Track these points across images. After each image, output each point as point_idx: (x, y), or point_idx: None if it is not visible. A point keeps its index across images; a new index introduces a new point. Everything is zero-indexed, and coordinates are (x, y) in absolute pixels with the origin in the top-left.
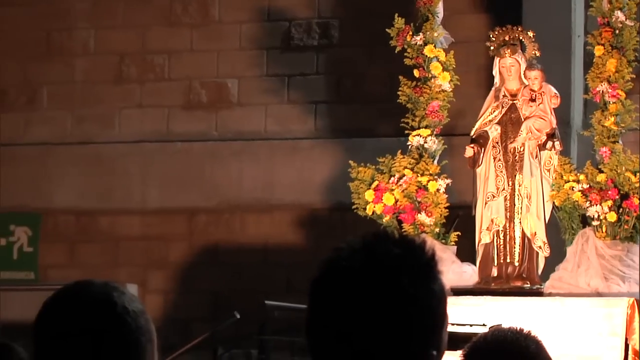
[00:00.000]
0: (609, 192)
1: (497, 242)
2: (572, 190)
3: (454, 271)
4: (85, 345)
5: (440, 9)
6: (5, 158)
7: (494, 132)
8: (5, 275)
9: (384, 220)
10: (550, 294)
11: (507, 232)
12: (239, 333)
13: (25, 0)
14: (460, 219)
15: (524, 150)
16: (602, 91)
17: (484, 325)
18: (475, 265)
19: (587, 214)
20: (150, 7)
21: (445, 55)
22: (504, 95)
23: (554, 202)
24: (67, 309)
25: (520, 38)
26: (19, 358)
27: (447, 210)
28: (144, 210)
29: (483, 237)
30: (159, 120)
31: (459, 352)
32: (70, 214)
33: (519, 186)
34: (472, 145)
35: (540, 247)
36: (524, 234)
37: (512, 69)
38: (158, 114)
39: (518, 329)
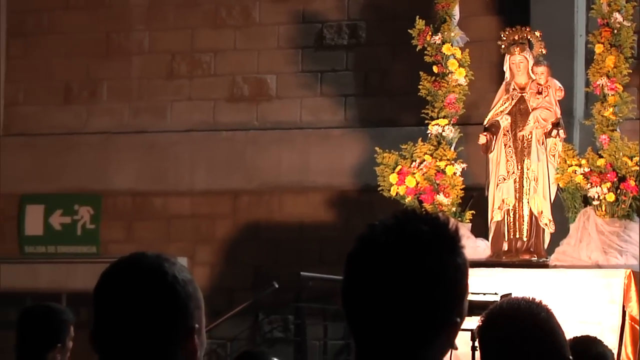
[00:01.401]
0: (608, 175)
1: (507, 219)
2: (575, 173)
3: (468, 246)
4: (139, 312)
5: (456, 11)
6: (70, 146)
7: (505, 121)
8: (70, 250)
9: (406, 201)
10: (555, 266)
11: (517, 211)
12: (278, 301)
13: (87, 5)
14: (474, 199)
15: (531, 137)
16: (602, 85)
17: (495, 294)
18: (488, 240)
19: (588, 195)
20: (198, 11)
21: (461, 53)
22: (514, 89)
23: (558, 184)
24: (123, 279)
25: (529, 37)
26: (61, 319)
27: (463, 191)
28: (192, 191)
29: (495, 215)
30: (206, 111)
31: (475, 318)
32: (127, 195)
33: (527, 170)
34: (485, 133)
35: (546, 224)
36: (531, 213)
37: (521, 65)
38: (205, 106)
39: (530, 298)
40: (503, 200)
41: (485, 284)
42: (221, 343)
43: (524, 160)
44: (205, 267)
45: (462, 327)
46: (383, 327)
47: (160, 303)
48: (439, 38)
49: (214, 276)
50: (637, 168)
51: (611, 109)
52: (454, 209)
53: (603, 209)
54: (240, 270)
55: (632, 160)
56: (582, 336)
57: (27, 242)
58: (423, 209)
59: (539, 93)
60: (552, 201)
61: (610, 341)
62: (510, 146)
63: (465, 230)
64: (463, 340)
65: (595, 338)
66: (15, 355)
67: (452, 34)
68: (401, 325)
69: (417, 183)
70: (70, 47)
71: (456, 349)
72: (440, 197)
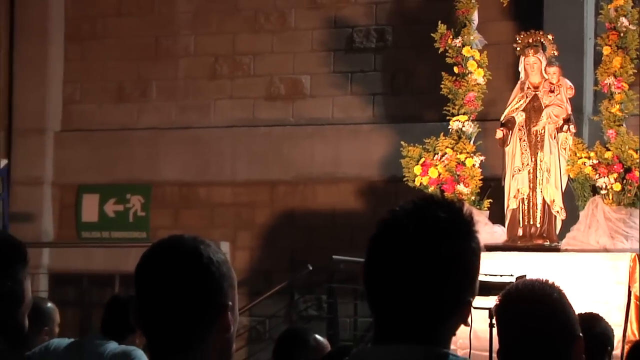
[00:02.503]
0: (615, 167)
1: (522, 207)
2: (584, 165)
3: (486, 231)
4: (176, 290)
5: (475, 17)
6: (123, 140)
7: (520, 117)
8: (122, 235)
9: (429, 191)
10: (566, 250)
11: (531, 200)
12: (312, 282)
13: (138, 12)
14: (492, 189)
15: (544, 132)
16: (609, 84)
17: (511, 275)
18: (504, 226)
19: (597, 185)
20: (239, 17)
21: (480, 55)
22: (528, 88)
23: (569, 175)
24: (162, 260)
25: (542, 40)
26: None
27: (481, 181)
28: (234, 182)
29: (511, 203)
30: (246, 109)
31: (492, 298)
32: (174, 185)
33: (540, 162)
34: (501, 128)
35: (557, 212)
36: (544, 201)
37: (534, 66)
38: (245, 104)
39: (543, 279)
40: (518, 190)
41: (502, 267)
42: (260, 320)
43: (537, 153)
44: (246, 251)
45: (481, 306)
46: (402, 304)
47: (196, 282)
48: (460, 41)
49: (254, 259)
50: None
51: (618, 106)
52: (473, 197)
53: (610, 197)
54: (277, 254)
55: (637, 153)
56: (585, 313)
57: (84, 228)
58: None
59: (551, 91)
60: (563, 190)
61: (617, 319)
62: (524, 140)
63: (483, 217)
64: (481, 318)
65: (598, 315)
66: (79, 335)
67: (472, 38)
68: (419, 303)
69: (439, 174)
70: (123, 51)
71: (468, 325)
72: (461, 187)
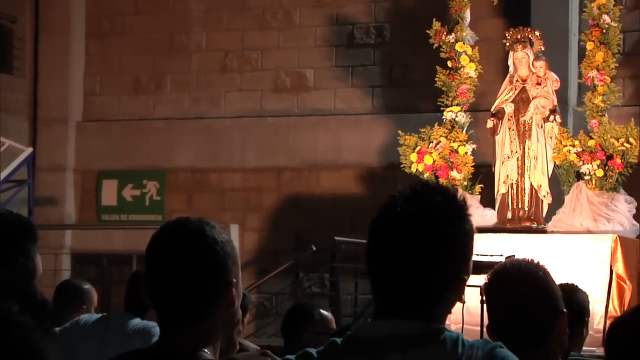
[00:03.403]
0: (598, 154)
1: (511, 192)
2: (569, 152)
3: (478, 214)
4: (183, 268)
5: (467, 14)
6: (139, 130)
7: (509, 108)
8: (139, 218)
9: (424, 176)
10: (552, 232)
11: (519, 185)
12: (315, 261)
13: (153, 10)
14: (483, 175)
15: (532, 122)
16: (593, 77)
17: (501, 255)
18: (494, 210)
19: (581, 171)
20: (248, 15)
21: (472, 50)
22: (517, 80)
23: (555, 162)
24: (170, 240)
25: (529, 37)
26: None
27: (473, 168)
28: (243, 168)
29: (500, 188)
30: (254, 100)
31: (483, 276)
32: (188, 172)
33: (528, 150)
34: (492, 118)
35: (544, 196)
36: (532, 186)
37: (523, 60)
38: (253, 96)
39: (530, 259)
40: (507, 176)
41: (492, 247)
42: (268, 297)
43: (525, 142)
44: (254, 233)
45: (472, 283)
46: (401, 282)
47: (201, 261)
48: (453, 37)
49: (261, 240)
50: (623, 148)
51: (600, 98)
52: (465, 183)
53: (593, 183)
54: (283, 235)
55: (618, 141)
56: (564, 284)
57: (104, 212)
58: (437, 183)
59: (538, 84)
60: (549, 176)
61: (600, 296)
62: (513, 129)
63: (474, 201)
64: (473, 295)
65: (575, 286)
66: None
67: (464, 34)
68: (417, 281)
69: (434, 161)
70: (139, 46)
71: (464, 302)
72: (454, 173)
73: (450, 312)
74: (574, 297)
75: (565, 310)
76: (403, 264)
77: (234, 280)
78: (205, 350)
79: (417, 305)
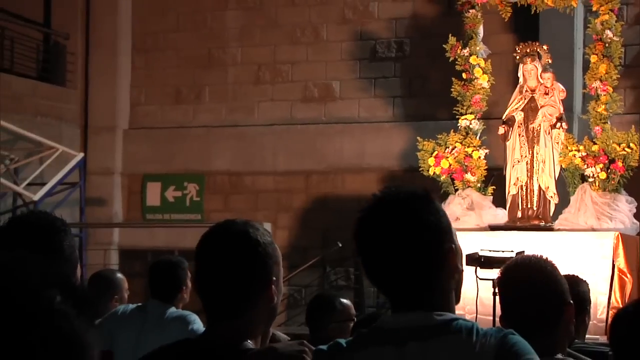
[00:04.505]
0: (601, 158)
1: (521, 193)
2: (574, 157)
3: (490, 214)
4: (228, 266)
5: (481, 30)
6: (180, 137)
7: (519, 116)
8: (181, 217)
9: (441, 179)
10: (558, 230)
11: (528, 186)
12: (341, 257)
13: (193, 27)
14: (495, 177)
15: (540, 129)
16: (596, 87)
17: (511, 251)
18: (505, 209)
19: (585, 173)
20: (279, 32)
21: (485, 63)
22: (526, 91)
23: (561, 165)
24: (217, 241)
25: (538, 50)
26: (182, 268)
27: (486, 171)
28: (275, 172)
29: (511, 189)
30: (285, 109)
31: (495, 270)
32: (224, 175)
33: (537, 154)
34: (503, 125)
35: (551, 197)
36: (540, 188)
37: (532, 72)
38: (284, 105)
39: (539, 255)
40: (517, 178)
41: (503, 244)
42: (297, 289)
43: (534, 147)
44: (285, 230)
45: (486, 277)
46: (400, 264)
47: (244, 260)
48: (467, 51)
49: (291, 237)
50: (624, 152)
51: (603, 106)
52: (479, 185)
53: (597, 184)
54: (311, 233)
55: (619, 146)
56: (568, 275)
57: (148, 211)
58: (454, 185)
59: (546, 94)
60: (556, 178)
61: (603, 289)
62: (523, 136)
63: (488, 201)
64: (486, 288)
65: (578, 277)
66: (150, 297)
67: (478, 48)
68: (414, 260)
69: (450, 165)
70: (180, 60)
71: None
72: (468, 176)
73: (456, 300)
74: (576, 288)
75: (571, 301)
76: (397, 247)
77: (274, 278)
78: (248, 341)
79: (419, 282)
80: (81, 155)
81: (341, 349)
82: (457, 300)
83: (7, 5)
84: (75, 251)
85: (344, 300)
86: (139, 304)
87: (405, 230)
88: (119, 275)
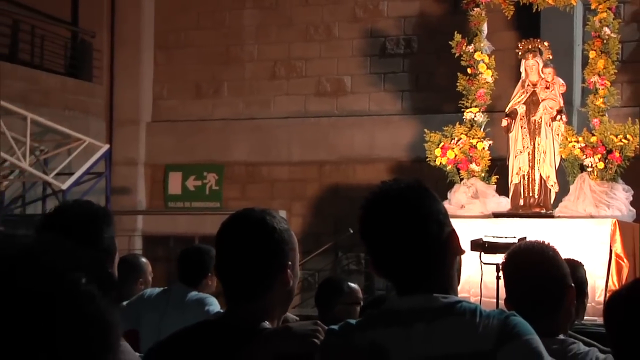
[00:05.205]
0: (599, 149)
1: (523, 182)
2: (574, 147)
3: (494, 202)
4: (246, 252)
5: (485, 28)
6: (200, 129)
7: (521, 109)
8: (201, 205)
9: (447, 169)
10: (559, 217)
11: (530, 176)
12: (352, 243)
13: (212, 26)
14: (498, 167)
15: (541, 121)
16: (594, 81)
17: (514, 237)
18: (508, 197)
19: (584, 163)
20: (293, 30)
21: (488, 59)
22: (528, 85)
23: (561, 156)
24: (236, 228)
25: (539, 47)
26: (209, 255)
27: (490, 161)
28: (290, 162)
29: (514, 179)
30: (299, 103)
31: (498, 255)
32: (242, 165)
33: (538, 145)
34: (506, 118)
35: (552, 186)
36: (541, 177)
37: (533, 67)
38: (298, 99)
39: (541, 240)
40: (520, 168)
41: (506, 230)
42: (311, 273)
43: (535, 138)
44: (299, 218)
45: (489, 262)
46: (405, 251)
47: (261, 245)
48: (472, 48)
49: (305, 224)
50: (621, 143)
51: (601, 100)
52: (483, 174)
53: (595, 174)
54: (324, 220)
55: (617, 137)
56: (567, 259)
57: (170, 199)
58: (460, 175)
59: (547, 88)
60: (556, 168)
61: (600, 272)
62: (525, 128)
63: (491, 190)
64: (490, 272)
65: (578, 261)
66: (167, 285)
67: (482, 45)
68: (417, 245)
69: (456, 155)
70: (200, 57)
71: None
72: (473, 166)
73: (458, 282)
74: (574, 272)
75: (572, 284)
76: (393, 233)
77: (290, 263)
78: (266, 322)
79: (424, 265)
80: (107, 146)
81: (352, 329)
82: (458, 280)
83: (37, 5)
84: (114, 242)
85: (352, 284)
86: (165, 287)
87: (408, 219)
88: (143, 259)
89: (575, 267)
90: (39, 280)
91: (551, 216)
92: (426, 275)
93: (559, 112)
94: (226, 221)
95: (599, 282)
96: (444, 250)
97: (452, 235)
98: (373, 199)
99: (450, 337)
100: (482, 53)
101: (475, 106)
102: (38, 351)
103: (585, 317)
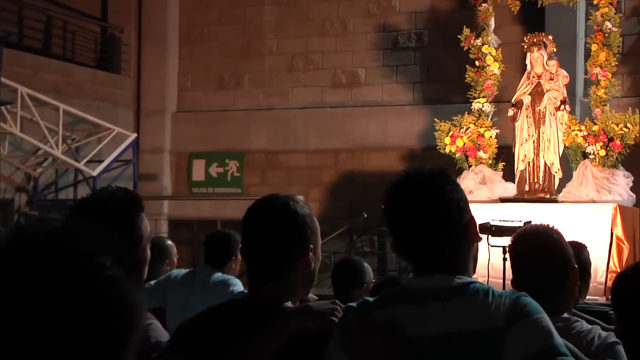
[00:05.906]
0: (601, 137)
1: (528, 169)
2: (577, 136)
3: (501, 187)
4: (270, 235)
5: (492, 22)
6: (223, 119)
7: (527, 99)
8: (223, 190)
9: (456, 156)
10: (562, 202)
11: (535, 163)
12: (366, 226)
13: (234, 21)
14: (505, 154)
15: (546, 111)
16: (596, 73)
17: (520, 221)
18: (514, 183)
19: (586, 151)
20: (310, 24)
21: (496, 52)
22: (533, 77)
23: (565, 144)
24: (261, 213)
25: (544, 40)
26: (233, 240)
27: (497, 149)
28: (307, 150)
29: (519, 166)
30: (316, 94)
31: (505, 238)
32: (262, 153)
33: (543, 134)
34: (512, 108)
35: (556, 172)
36: (545, 164)
37: (538, 60)
38: (315, 90)
39: (545, 224)
40: (525, 155)
41: (512, 214)
42: (327, 255)
43: (540, 127)
44: (316, 203)
45: (496, 244)
46: (426, 233)
47: (284, 229)
48: (480, 41)
49: (322, 209)
50: (622, 132)
51: (603, 90)
52: (490, 161)
53: (597, 161)
54: (339, 205)
55: (618, 126)
56: (572, 242)
57: (194, 185)
58: (468, 162)
59: (551, 79)
60: (560, 156)
61: (602, 254)
62: (530, 117)
63: (498, 176)
64: (497, 254)
65: (582, 244)
66: (191, 266)
67: (489, 38)
68: (438, 229)
69: (464, 143)
70: (222, 51)
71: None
72: (481, 153)
73: (475, 266)
74: (580, 254)
75: (576, 266)
76: (422, 219)
77: (312, 246)
78: (288, 302)
79: (445, 259)
80: (134, 135)
81: (369, 306)
82: (474, 267)
83: (69, 2)
84: (141, 226)
85: (365, 265)
86: (191, 269)
87: (430, 204)
88: (169, 242)
89: (580, 250)
90: (64, 264)
91: (555, 201)
92: (444, 258)
93: (563, 102)
94: (252, 206)
95: (601, 263)
96: (463, 236)
97: (471, 222)
98: (398, 183)
99: (464, 315)
100: (489, 46)
101: (483, 97)
102: (63, 333)
103: (587, 297)
